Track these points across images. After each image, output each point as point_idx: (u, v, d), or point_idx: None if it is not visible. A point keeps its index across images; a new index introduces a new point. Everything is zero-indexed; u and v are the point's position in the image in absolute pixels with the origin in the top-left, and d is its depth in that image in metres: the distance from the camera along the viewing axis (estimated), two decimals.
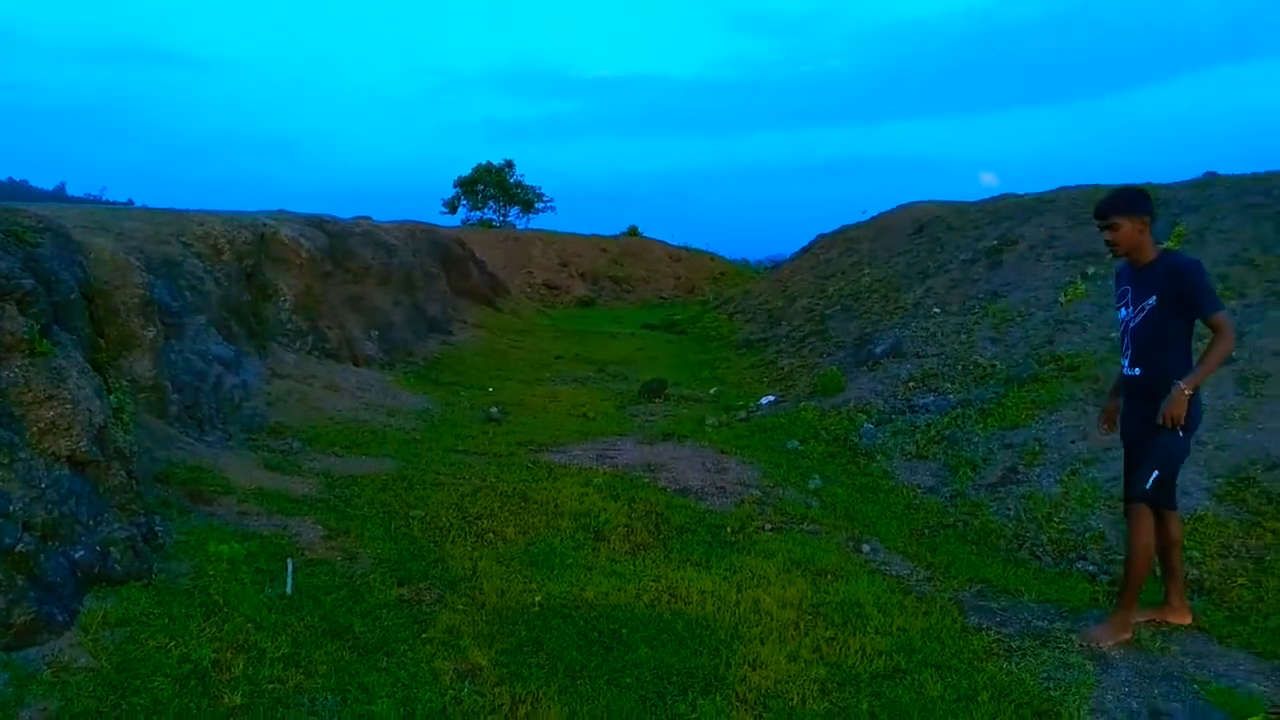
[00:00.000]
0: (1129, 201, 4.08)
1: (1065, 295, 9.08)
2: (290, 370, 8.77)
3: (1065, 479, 6.01)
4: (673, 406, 10.53)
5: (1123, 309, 4.16)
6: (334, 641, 3.73)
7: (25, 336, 4.04)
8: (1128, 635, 4.12)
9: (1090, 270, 9.38)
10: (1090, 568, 5.05)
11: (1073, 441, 6.51)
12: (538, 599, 4.39)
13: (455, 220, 41.47)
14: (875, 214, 19.39)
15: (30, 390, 3.93)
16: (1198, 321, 3.98)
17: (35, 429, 3.89)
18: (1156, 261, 4.06)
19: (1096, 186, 12.20)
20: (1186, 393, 3.84)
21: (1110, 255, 4.33)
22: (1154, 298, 3.99)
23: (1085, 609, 4.55)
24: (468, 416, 9.35)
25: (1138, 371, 4.12)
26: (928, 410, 8.03)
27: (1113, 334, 7.82)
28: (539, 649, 3.87)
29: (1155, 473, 3.98)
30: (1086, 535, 5.35)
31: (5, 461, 3.63)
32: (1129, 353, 4.15)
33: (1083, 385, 7.25)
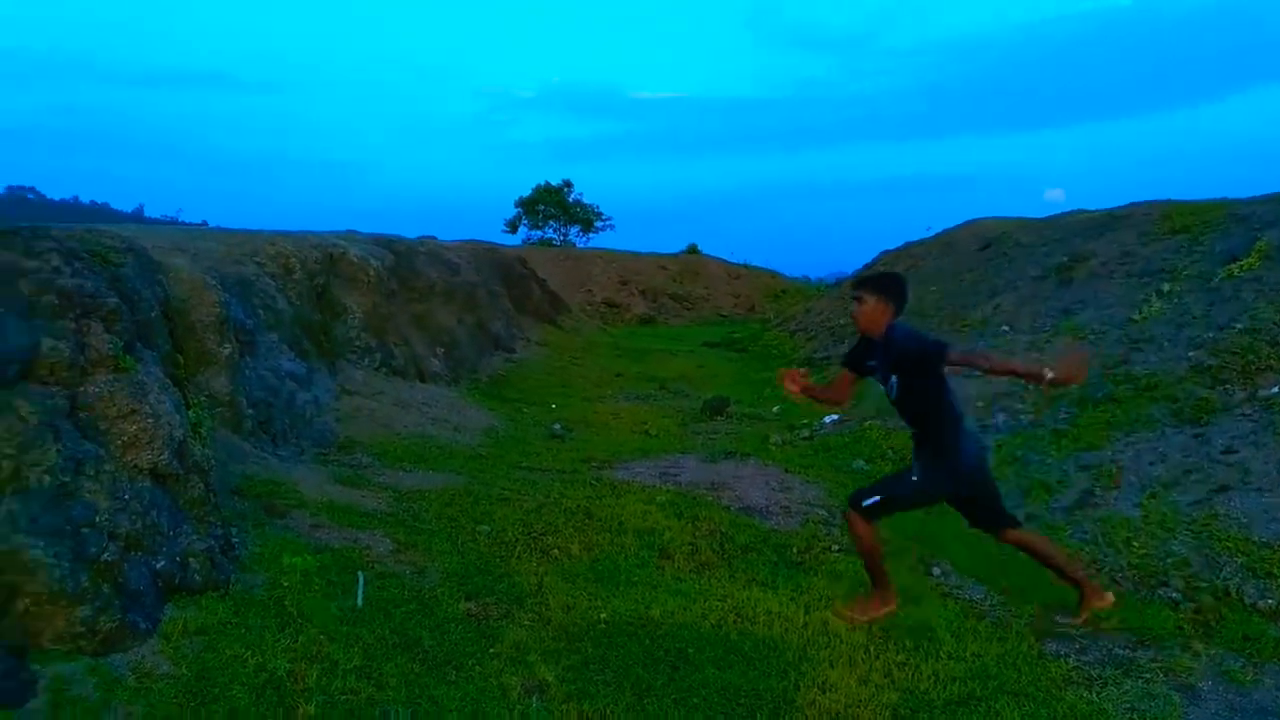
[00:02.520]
0: (877, 281, 4.47)
1: (1140, 313, 8.82)
2: (359, 387, 8.93)
3: (1145, 502, 5.82)
4: (735, 424, 10.47)
5: (880, 384, 4.44)
6: (404, 654, 3.77)
7: (110, 353, 4.17)
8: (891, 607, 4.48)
9: (1166, 288, 9.10)
10: (1174, 594, 4.87)
11: (1151, 464, 6.30)
12: (603, 616, 4.38)
13: (516, 240, 42.01)
14: (940, 230, 19.10)
15: (115, 405, 4.05)
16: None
17: (119, 442, 4.01)
18: (885, 335, 4.32)
19: (1170, 201, 11.86)
20: (1082, 353, 4.27)
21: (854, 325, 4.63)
22: (894, 376, 4.26)
23: (1169, 637, 4.39)
24: (531, 433, 9.41)
25: (913, 430, 4.47)
26: (998, 430, 7.86)
27: (1192, 352, 7.58)
28: (605, 667, 3.86)
29: (867, 499, 4.41)
30: (1169, 561, 5.16)
31: (92, 474, 3.75)
32: (905, 418, 4.48)
33: (1160, 406, 7.02)
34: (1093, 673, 4.00)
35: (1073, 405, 7.64)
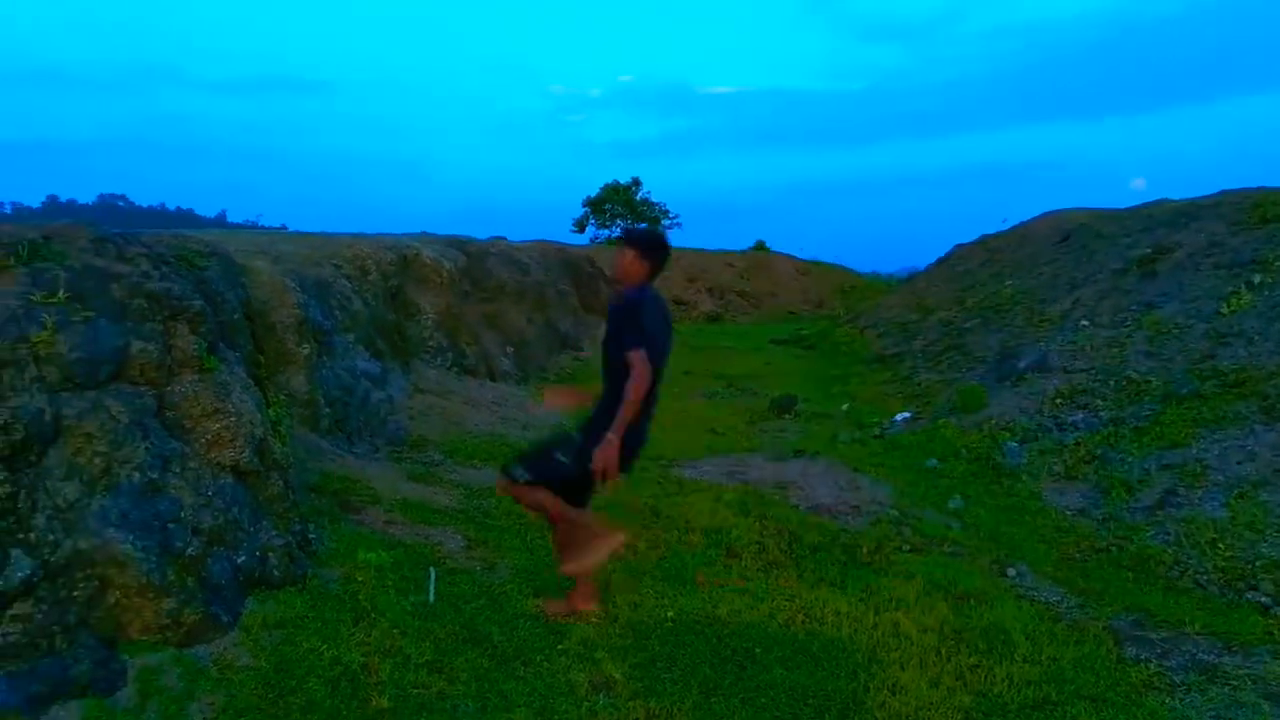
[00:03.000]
0: (633, 234, 4.35)
1: (1228, 306, 8.48)
2: (431, 385, 9.10)
3: (1232, 503, 5.60)
4: (803, 423, 10.37)
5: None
6: (474, 649, 3.83)
7: (195, 354, 4.32)
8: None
9: (1257, 279, 8.73)
10: (1263, 599, 4.68)
11: (1239, 463, 6.06)
12: (670, 614, 4.39)
13: (584, 239, 42.23)
14: (1016, 222, 18.62)
15: (199, 404, 4.20)
16: None
17: (204, 440, 4.16)
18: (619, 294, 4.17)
19: (1262, 189, 11.37)
20: (615, 442, 3.82)
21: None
22: (610, 327, 4.10)
23: (1258, 643, 4.22)
24: None
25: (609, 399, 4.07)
26: (1077, 428, 7.64)
27: None
28: (672, 665, 3.87)
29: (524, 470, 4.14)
30: (1257, 564, 4.97)
31: (177, 470, 3.90)
32: (605, 380, 4.16)
33: (1249, 402, 6.75)
34: (1175, 678, 3.88)
35: (1156, 402, 7.40)
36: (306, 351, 6.49)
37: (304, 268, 7.86)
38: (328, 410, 6.66)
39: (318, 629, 3.76)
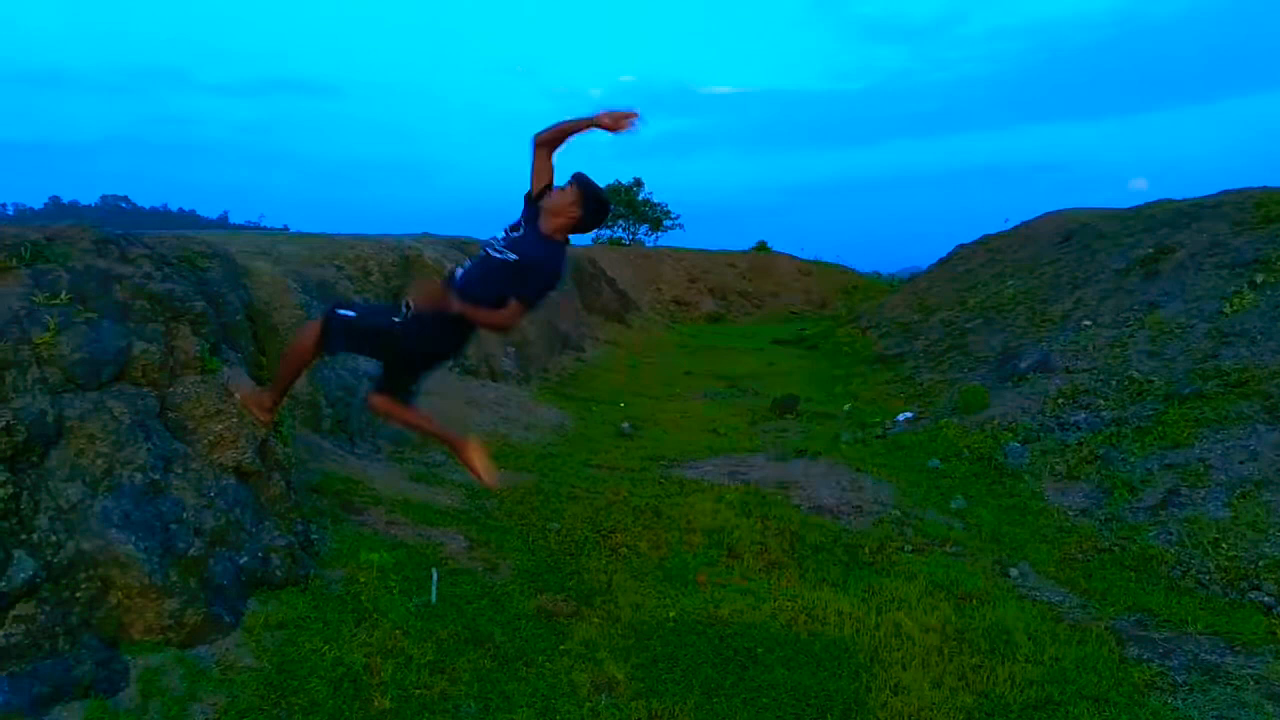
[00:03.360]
0: (591, 195, 3.82)
1: (1230, 306, 8.47)
2: (433, 385, 9.08)
3: (1235, 502, 5.60)
4: (805, 423, 10.37)
5: (504, 233, 3.85)
6: (476, 650, 3.83)
7: (197, 355, 4.33)
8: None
9: (1259, 279, 8.72)
10: (1266, 599, 4.68)
11: (1241, 462, 6.05)
12: (672, 615, 4.39)
13: (586, 239, 42.25)
14: (1018, 222, 18.60)
15: (201, 405, 4.21)
16: None
17: (206, 441, 4.16)
18: (548, 240, 3.80)
19: (1266, 189, 11.36)
20: (458, 305, 3.72)
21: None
22: (516, 258, 3.74)
23: (1260, 643, 4.22)
24: (601, 431, 9.47)
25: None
26: (1079, 428, 7.64)
27: None
28: (674, 665, 3.87)
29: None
30: (1260, 563, 4.96)
31: (179, 471, 3.91)
32: (475, 274, 3.85)
33: (1252, 402, 6.74)
34: (1177, 679, 3.88)
35: (1158, 402, 7.39)
36: None
37: (306, 268, 7.87)
38: (329, 410, 6.66)
39: (320, 630, 3.77)
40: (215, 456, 4.16)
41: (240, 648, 3.56)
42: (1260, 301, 8.30)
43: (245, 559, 3.99)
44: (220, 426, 4.21)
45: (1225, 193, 12.27)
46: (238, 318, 5.55)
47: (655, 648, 4.02)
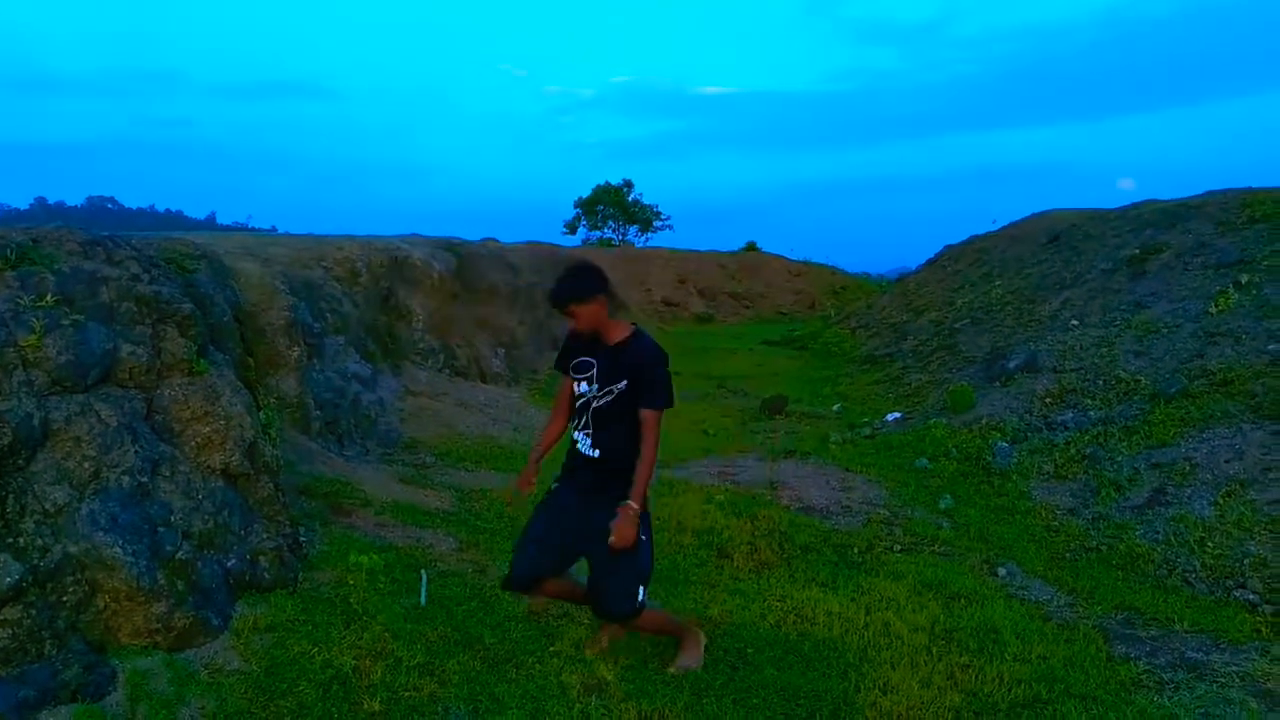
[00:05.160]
0: (579, 289, 3.66)
1: (1216, 305, 8.53)
2: (422, 388, 9.09)
3: (1220, 501, 5.63)
4: (794, 423, 10.40)
5: (584, 383, 3.72)
6: (466, 652, 3.83)
7: (185, 357, 4.31)
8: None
9: (1244, 279, 8.79)
10: (1250, 596, 4.71)
11: (1227, 461, 6.09)
12: None
13: (576, 240, 42.23)
14: (1006, 223, 18.69)
15: (189, 407, 4.20)
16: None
17: (193, 444, 4.15)
18: (630, 342, 3.70)
19: (1251, 190, 11.44)
20: (636, 509, 3.52)
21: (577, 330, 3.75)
22: (625, 382, 3.62)
23: (1246, 640, 4.25)
24: None
25: (597, 454, 3.69)
26: (1066, 428, 7.68)
27: (1272, 345, 7.31)
28: (664, 666, 3.87)
29: (642, 588, 3.64)
30: (1245, 561, 5.00)
31: (167, 474, 3.89)
32: (590, 432, 3.70)
33: (1237, 401, 6.79)
34: (1164, 676, 3.90)
35: (1145, 401, 7.44)
36: (296, 354, 6.47)
37: (294, 270, 7.85)
38: (318, 413, 6.65)
39: (309, 632, 3.76)
40: (203, 459, 4.15)
41: (229, 651, 3.54)
42: (1245, 301, 8.36)
43: (233, 562, 3.98)
44: (208, 429, 4.20)
45: (1211, 193, 12.35)
46: (225, 319, 5.53)
47: (645, 649, 4.01)
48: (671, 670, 3.82)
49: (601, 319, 3.69)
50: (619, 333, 3.73)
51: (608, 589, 3.67)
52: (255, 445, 4.44)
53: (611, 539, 3.48)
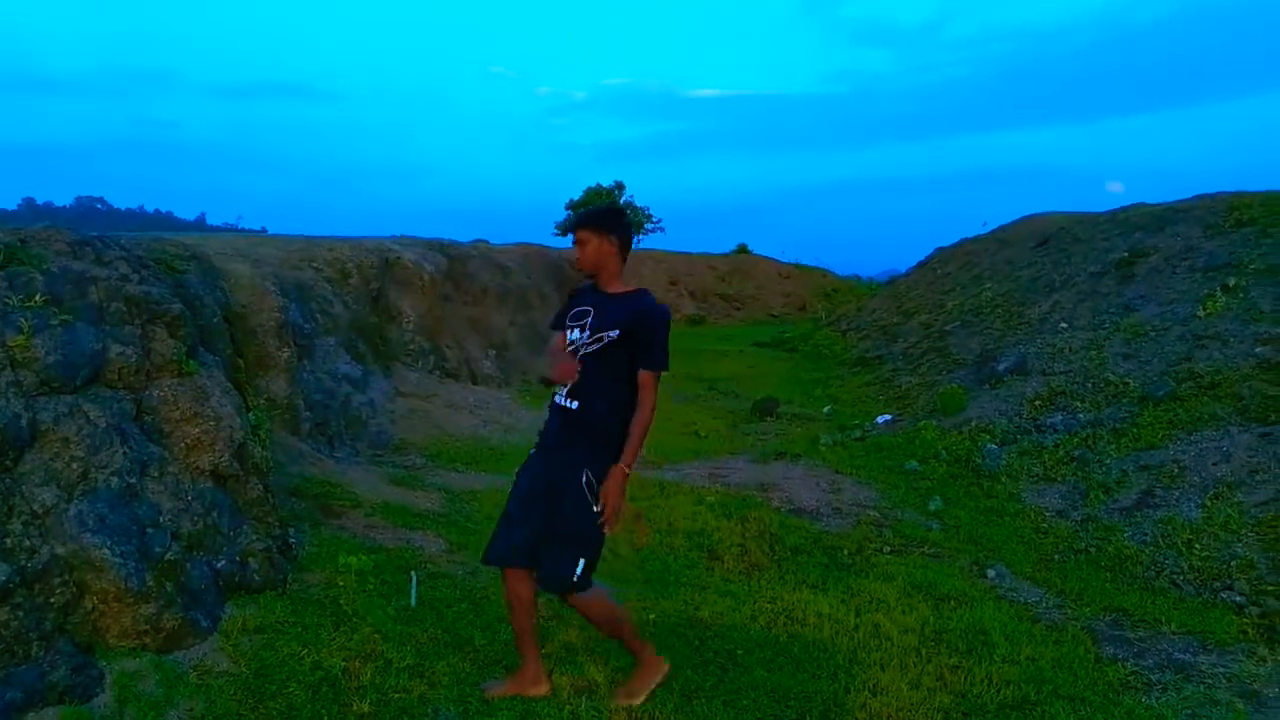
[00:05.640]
0: (600, 219, 3.56)
1: (1204, 309, 8.58)
2: (413, 389, 9.07)
3: (1208, 503, 5.67)
4: (785, 425, 10.41)
5: (575, 330, 3.51)
6: (456, 653, 3.82)
7: (174, 358, 4.30)
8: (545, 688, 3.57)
9: (1232, 282, 8.84)
10: (1237, 598, 4.74)
11: (1215, 464, 6.13)
12: (652, 617, 4.39)
13: (567, 242, 42.25)
14: (996, 226, 18.78)
15: (178, 408, 4.18)
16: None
17: (182, 445, 4.13)
18: (632, 296, 3.53)
19: (1238, 193, 11.51)
20: (626, 472, 3.36)
21: (579, 270, 3.61)
22: (617, 332, 3.40)
23: (1232, 642, 4.28)
24: None
25: (575, 405, 3.45)
26: (1056, 430, 7.71)
27: (1259, 349, 7.36)
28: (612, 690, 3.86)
29: (582, 561, 3.39)
30: (1233, 563, 5.03)
31: (156, 475, 3.88)
32: (572, 382, 3.46)
33: (1224, 404, 6.83)
34: (1151, 677, 3.92)
35: (1133, 404, 7.47)
36: (287, 355, 6.46)
37: (284, 271, 7.83)
38: (308, 414, 6.63)
39: (298, 634, 3.75)
40: (192, 460, 4.14)
41: (217, 652, 3.53)
42: (1232, 304, 8.41)
43: (223, 563, 3.96)
44: (197, 430, 4.19)
45: (1199, 197, 12.43)
46: (215, 320, 5.52)
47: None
48: (616, 700, 3.52)
49: (606, 260, 3.52)
50: (623, 287, 3.57)
51: (548, 553, 3.42)
52: (245, 446, 4.43)
53: (598, 507, 3.32)
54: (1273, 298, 8.08)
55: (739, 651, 4.04)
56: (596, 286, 3.59)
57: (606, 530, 3.40)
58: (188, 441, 4.15)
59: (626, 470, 3.37)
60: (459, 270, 12.57)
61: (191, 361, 4.41)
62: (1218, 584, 4.92)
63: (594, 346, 3.42)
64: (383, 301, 9.96)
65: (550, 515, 3.44)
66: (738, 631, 4.26)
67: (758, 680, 3.78)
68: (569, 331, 3.53)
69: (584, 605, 3.49)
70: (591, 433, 3.42)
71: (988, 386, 9.58)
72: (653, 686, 3.60)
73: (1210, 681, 3.86)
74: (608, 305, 3.48)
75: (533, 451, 3.69)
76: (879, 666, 3.93)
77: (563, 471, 3.42)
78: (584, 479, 3.37)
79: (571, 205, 44.30)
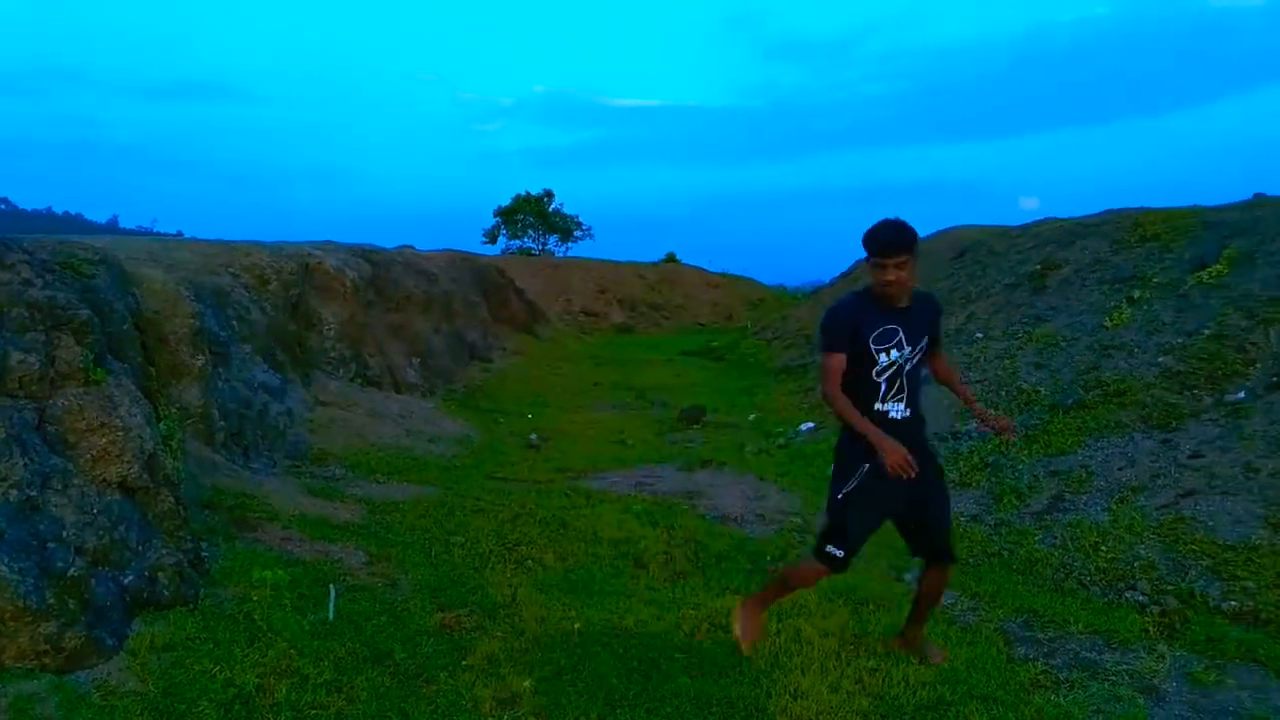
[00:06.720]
0: (914, 239, 3.70)
1: (1110, 320, 8.93)
2: (334, 398, 8.89)
3: (1113, 507, 5.89)
4: (711, 433, 10.49)
5: (893, 351, 3.70)
6: (375, 668, 3.75)
7: (81, 366, 4.15)
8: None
9: (1136, 295, 9.22)
10: (1140, 598, 4.93)
11: (1120, 468, 6.38)
12: (577, 626, 4.38)
13: (496, 250, 41.97)
14: None
15: (84, 418, 4.03)
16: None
17: (88, 456, 3.98)
18: (919, 301, 3.83)
19: (1144, 209, 12.01)
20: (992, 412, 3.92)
21: (889, 291, 3.71)
22: (925, 339, 3.77)
23: (1135, 640, 4.44)
24: (507, 443, 9.40)
25: (909, 414, 3.76)
26: (971, 437, 7.93)
27: (1161, 358, 7.68)
28: (578, 677, 3.86)
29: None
30: (1136, 565, 5.23)
31: (59, 488, 3.73)
32: (904, 395, 3.74)
33: (1130, 411, 7.11)
34: (1060, 676, 4.05)
35: (1044, 411, 7.73)
36: (201, 363, 6.27)
37: (200, 276, 7.61)
38: (223, 424, 6.44)
39: (210, 650, 3.63)
40: (99, 472, 3.99)
41: (124, 671, 3.40)
42: (1137, 316, 8.77)
43: (130, 578, 3.83)
44: (104, 440, 4.04)
45: (1107, 212, 12.92)
46: (125, 327, 5.33)
47: (559, 660, 4.00)
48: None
49: (913, 280, 3.74)
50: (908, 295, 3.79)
51: (946, 526, 3.95)
52: (155, 457, 4.29)
53: (1004, 433, 4.13)
54: (1174, 310, 8.45)
55: (662, 659, 4.05)
56: (886, 302, 3.71)
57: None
58: (94, 453, 4.00)
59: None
60: (382, 277, 12.38)
61: (99, 369, 4.25)
62: (1122, 584, 5.11)
63: (915, 360, 3.76)
64: (303, 308, 9.75)
65: (932, 499, 3.89)
66: (662, 639, 4.27)
67: (681, 687, 3.79)
68: (880, 354, 3.69)
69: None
70: (923, 422, 3.88)
71: None
72: (739, 632, 4.10)
73: (1114, 679, 4.00)
74: (911, 319, 3.75)
75: (868, 467, 3.77)
76: (800, 671, 3.98)
77: (925, 462, 3.73)
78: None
79: (500, 211, 44.03)
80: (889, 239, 3.65)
